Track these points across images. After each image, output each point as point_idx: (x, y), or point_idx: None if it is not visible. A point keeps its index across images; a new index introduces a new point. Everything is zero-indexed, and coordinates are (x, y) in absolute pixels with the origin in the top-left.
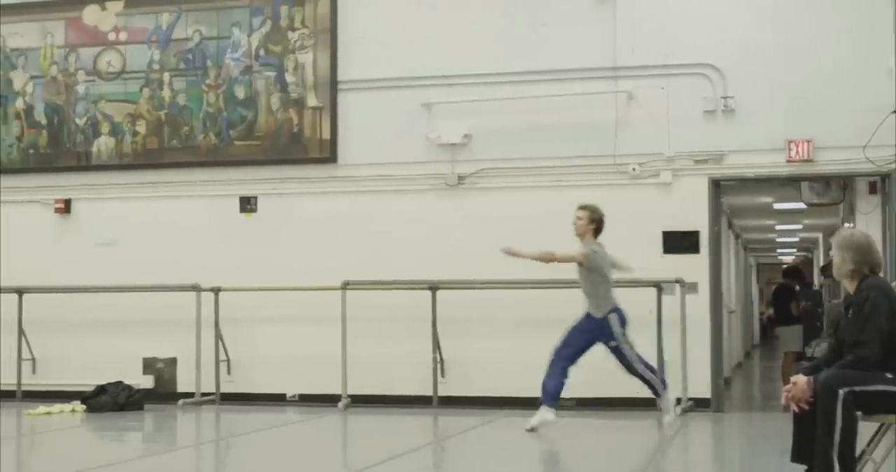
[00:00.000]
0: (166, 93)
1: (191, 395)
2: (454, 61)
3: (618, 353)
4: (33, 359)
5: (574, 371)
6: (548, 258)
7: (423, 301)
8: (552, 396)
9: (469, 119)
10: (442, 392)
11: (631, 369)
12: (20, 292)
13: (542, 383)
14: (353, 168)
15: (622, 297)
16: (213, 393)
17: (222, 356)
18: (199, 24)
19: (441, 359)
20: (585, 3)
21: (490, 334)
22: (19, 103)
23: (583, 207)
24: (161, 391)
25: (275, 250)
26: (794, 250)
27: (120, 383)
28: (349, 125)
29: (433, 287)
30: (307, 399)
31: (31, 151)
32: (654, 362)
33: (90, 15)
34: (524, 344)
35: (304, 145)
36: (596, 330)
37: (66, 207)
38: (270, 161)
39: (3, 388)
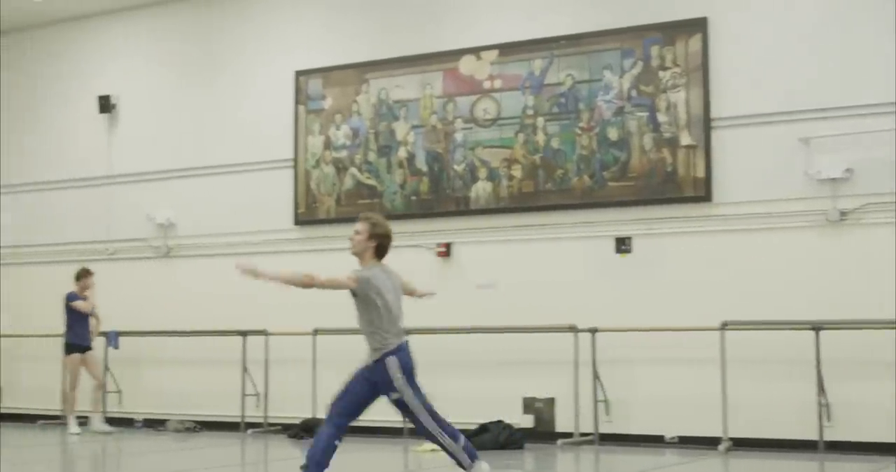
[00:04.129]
0: (540, 137)
1: (569, 435)
2: (832, 93)
3: (403, 408)
4: None
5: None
6: (304, 282)
7: (806, 342)
8: (316, 462)
9: (850, 152)
10: (828, 437)
11: (425, 431)
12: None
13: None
14: (729, 206)
15: None
16: (591, 433)
17: (600, 396)
18: (571, 68)
19: (826, 402)
20: None
21: (879, 377)
22: (402, 152)
23: (364, 219)
24: (540, 431)
25: (651, 290)
26: None
27: (500, 422)
28: (723, 163)
29: (816, 327)
30: (686, 441)
31: (414, 197)
32: None
33: (466, 65)
34: None
35: (677, 185)
36: (373, 378)
37: (447, 250)
38: (644, 201)
39: (391, 425)
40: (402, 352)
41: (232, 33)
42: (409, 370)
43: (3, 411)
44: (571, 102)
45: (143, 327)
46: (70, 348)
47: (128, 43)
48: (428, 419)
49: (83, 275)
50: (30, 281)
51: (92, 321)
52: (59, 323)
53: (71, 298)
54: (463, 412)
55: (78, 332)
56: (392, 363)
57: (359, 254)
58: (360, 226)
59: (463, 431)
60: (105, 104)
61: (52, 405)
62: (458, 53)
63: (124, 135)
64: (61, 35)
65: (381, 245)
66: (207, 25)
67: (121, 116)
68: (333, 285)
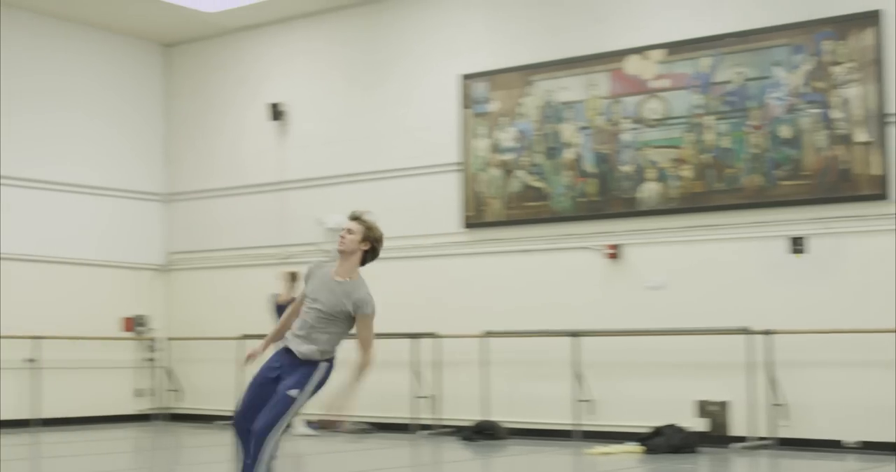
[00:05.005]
0: (709, 136)
1: (744, 439)
2: None
3: (279, 405)
4: (590, 400)
5: None
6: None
7: None
8: None
9: None
10: None
11: (262, 439)
12: (575, 334)
13: None
14: None
15: None
16: (767, 438)
17: (776, 400)
18: (740, 65)
19: None
20: None
21: None
22: (569, 154)
23: (358, 219)
24: (714, 435)
25: (827, 291)
26: None
27: (673, 425)
28: None
29: None
30: (869, 447)
31: (582, 199)
32: None
33: (632, 65)
34: None
35: (852, 183)
36: (284, 368)
37: (615, 252)
38: (818, 200)
39: (562, 428)
40: (331, 371)
41: (398, 39)
42: (320, 387)
43: (183, 412)
44: (740, 99)
45: None
46: None
47: (296, 51)
48: (275, 435)
49: (288, 278)
50: (204, 286)
51: None
52: (233, 327)
53: (272, 298)
54: (635, 414)
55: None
56: (322, 370)
57: (347, 253)
58: (353, 225)
59: (635, 434)
60: (275, 111)
61: (229, 406)
62: (623, 53)
63: (294, 141)
64: (230, 45)
65: (373, 249)
66: (374, 32)
67: (291, 123)
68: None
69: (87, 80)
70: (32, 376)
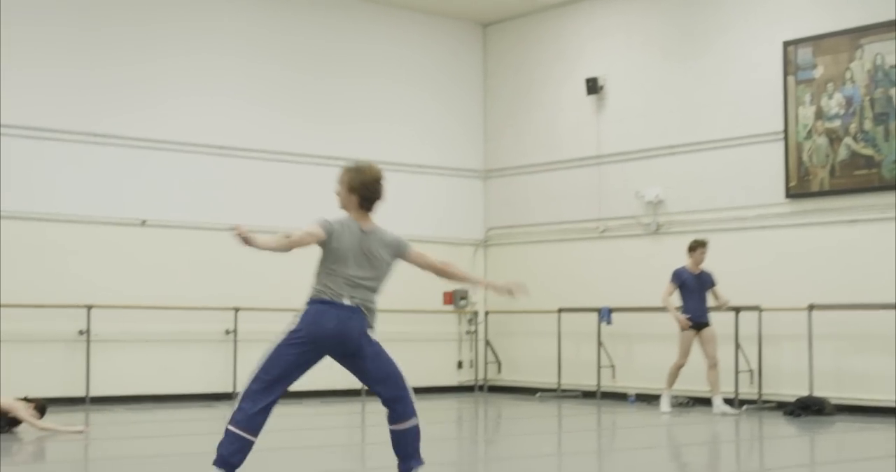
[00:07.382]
0: None
1: None
2: None
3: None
4: None
5: None
6: (284, 245)
7: None
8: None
9: None
10: None
11: None
12: None
13: None
14: None
15: None
16: None
17: None
18: None
19: None
20: None
21: None
22: None
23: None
24: None
25: None
26: None
27: None
28: None
29: None
30: None
31: None
32: None
33: None
34: None
35: None
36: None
37: None
38: None
39: (892, 405)
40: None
41: (717, 8)
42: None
43: (502, 383)
44: None
45: (634, 303)
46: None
47: (612, 25)
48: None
49: (695, 247)
50: (522, 260)
51: (711, 297)
52: (549, 301)
53: (675, 275)
54: None
55: (690, 307)
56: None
57: (343, 208)
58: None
59: None
60: (592, 86)
61: (550, 379)
62: None
63: (611, 115)
64: (547, 21)
65: (364, 198)
66: (691, 2)
67: (608, 97)
68: (304, 240)
69: (413, 62)
70: None
